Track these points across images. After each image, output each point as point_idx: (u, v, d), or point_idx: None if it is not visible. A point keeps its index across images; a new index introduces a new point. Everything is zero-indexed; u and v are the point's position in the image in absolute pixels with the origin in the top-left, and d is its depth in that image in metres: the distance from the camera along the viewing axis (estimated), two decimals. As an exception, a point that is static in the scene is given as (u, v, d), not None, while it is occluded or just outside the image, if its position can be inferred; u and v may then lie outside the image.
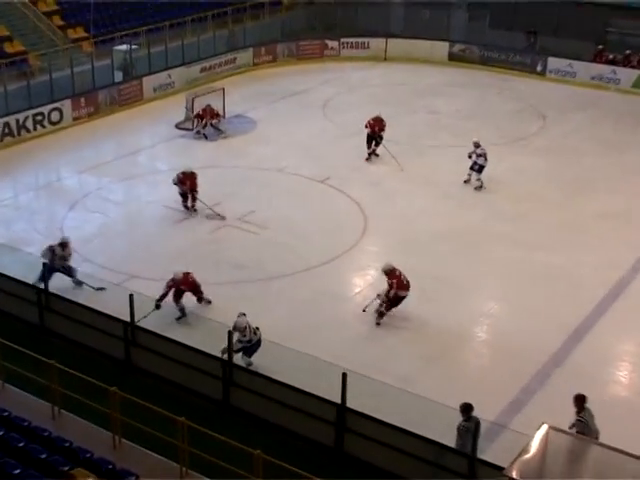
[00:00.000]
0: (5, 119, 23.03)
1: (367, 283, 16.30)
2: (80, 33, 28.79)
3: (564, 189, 20.79)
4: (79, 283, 15.50)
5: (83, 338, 14.07)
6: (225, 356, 12.70)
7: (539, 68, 30.41)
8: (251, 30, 31.67)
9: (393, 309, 14.82)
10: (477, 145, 20.50)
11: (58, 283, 15.15)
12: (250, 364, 13.09)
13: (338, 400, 11.67)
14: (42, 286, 14.62)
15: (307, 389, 11.97)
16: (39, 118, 23.90)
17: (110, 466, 9.45)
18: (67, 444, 9.84)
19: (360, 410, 11.62)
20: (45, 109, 24.10)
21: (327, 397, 11.79)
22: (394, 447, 11.34)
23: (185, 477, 10.12)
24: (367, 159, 22.22)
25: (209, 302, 15.11)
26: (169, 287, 14.47)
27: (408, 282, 14.70)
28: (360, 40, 32.41)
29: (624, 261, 17.26)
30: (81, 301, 14.36)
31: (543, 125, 25.64)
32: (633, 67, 29.26)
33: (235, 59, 30.39)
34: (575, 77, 29.74)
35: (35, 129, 23.80)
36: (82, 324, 14.07)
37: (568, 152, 23.31)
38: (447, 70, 30.87)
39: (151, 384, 13.12)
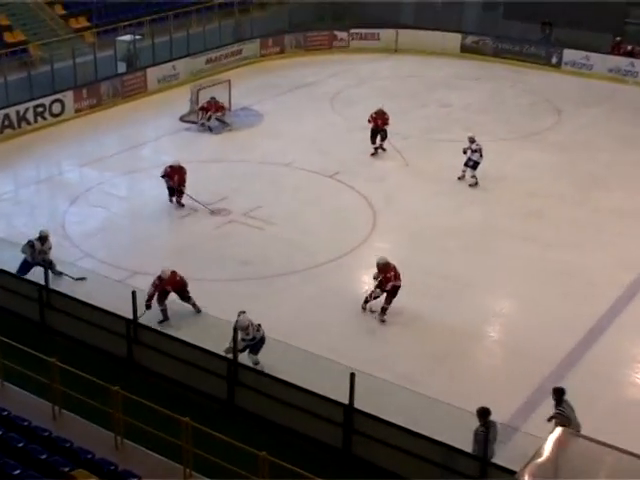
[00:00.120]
0: (5, 111, 22.81)
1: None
2: (82, 23, 28.63)
3: (578, 186, 20.53)
4: (59, 274, 15.30)
5: (84, 336, 13.91)
6: (230, 355, 12.54)
7: (554, 60, 30.05)
8: (258, 20, 31.44)
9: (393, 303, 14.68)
10: (472, 140, 19.96)
11: (58, 280, 15.03)
12: (257, 362, 12.93)
13: (345, 400, 11.48)
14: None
15: (313, 388, 11.80)
16: (40, 110, 23.66)
17: (112, 467, 9.37)
18: (68, 444, 9.76)
19: (368, 411, 11.41)
20: (46, 100, 23.86)
21: (333, 397, 11.62)
22: (403, 449, 11.15)
23: (189, 478, 10.01)
24: (372, 154, 21.99)
25: (199, 311, 14.50)
26: (155, 286, 14.09)
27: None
28: (370, 31, 32.12)
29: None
30: (83, 298, 14.14)
31: (558, 119, 25.32)
32: (652, 59, 28.88)
33: (241, 50, 30.18)
34: (591, 70, 29.34)
35: (36, 121, 23.58)
36: (83, 321, 13.89)
37: (583, 148, 23.02)
38: (459, 62, 30.57)
39: (154, 383, 12.98)
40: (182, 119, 24.65)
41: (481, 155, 19.90)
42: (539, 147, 22.90)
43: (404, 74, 29.50)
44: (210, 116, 23.70)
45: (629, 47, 29.32)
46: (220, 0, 31.00)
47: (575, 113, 25.76)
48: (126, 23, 28.04)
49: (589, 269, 16.58)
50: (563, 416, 10.89)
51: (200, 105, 24.00)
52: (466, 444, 10.81)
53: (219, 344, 12.64)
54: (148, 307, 13.89)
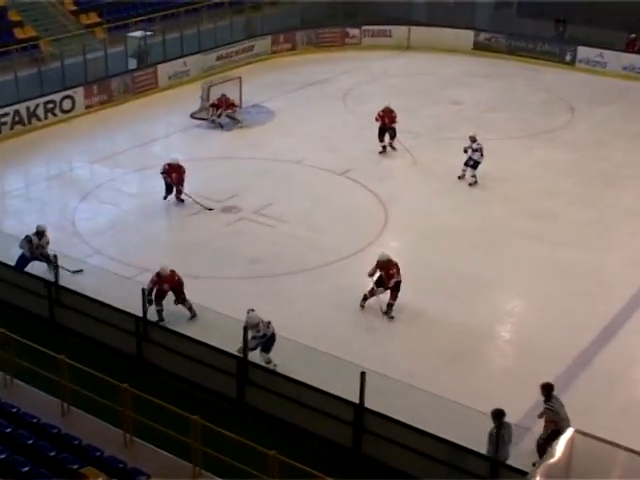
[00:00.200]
0: (15, 107, 22.78)
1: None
2: (93, 19, 28.63)
3: (592, 185, 20.36)
4: (56, 267, 15.14)
5: (94, 333, 13.88)
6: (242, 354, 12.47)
7: (568, 58, 29.80)
8: (269, 17, 31.36)
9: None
10: (473, 139, 19.75)
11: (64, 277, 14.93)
12: (269, 361, 12.86)
13: (355, 399, 11.40)
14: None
15: (323, 387, 11.72)
16: (50, 106, 23.63)
17: (121, 465, 9.30)
18: (77, 442, 9.70)
19: (378, 410, 11.34)
20: (57, 97, 23.82)
21: (344, 396, 11.54)
22: (413, 449, 11.07)
23: (198, 477, 9.96)
24: (381, 152, 21.86)
25: (194, 315, 14.32)
26: (154, 282, 13.99)
27: None
28: (382, 28, 31.95)
29: (654, 260, 16.88)
30: (92, 295, 14.11)
31: (571, 118, 25.11)
32: (667, 57, 28.63)
33: (253, 47, 30.09)
34: (606, 67, 29.06)
35: (46, 117, 23.56)
36: (93, 318, 13.86)
37: (597, 146, 22.80)
38: (472, 60, 30.39)
39: (163, 380, 12.94)
40: (193, 116, 24.58)
41: (482, 154, 19.71)
42: (551, 145, 22.70)
43: (416, 71, 29.34)
44: (221, 113, 23.64)
45: (644, 44, 29.14)
46: (231, -3, 31.05)
47: (588, 111, 25.53)
48: (137, 19, 28.06)
49: (601, 268, 16.44)
50: (552, 411, 10.96)
51: (211, 102, 23.93)
52: (477, 444, 10.70)
53: (229, 342, 12.56)
54: (150, 302, 13.76)
